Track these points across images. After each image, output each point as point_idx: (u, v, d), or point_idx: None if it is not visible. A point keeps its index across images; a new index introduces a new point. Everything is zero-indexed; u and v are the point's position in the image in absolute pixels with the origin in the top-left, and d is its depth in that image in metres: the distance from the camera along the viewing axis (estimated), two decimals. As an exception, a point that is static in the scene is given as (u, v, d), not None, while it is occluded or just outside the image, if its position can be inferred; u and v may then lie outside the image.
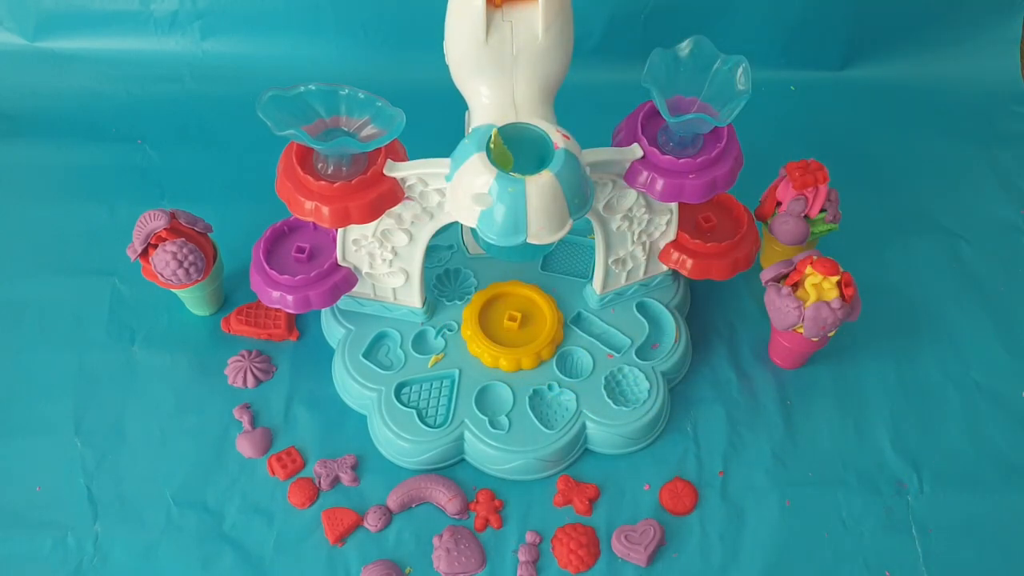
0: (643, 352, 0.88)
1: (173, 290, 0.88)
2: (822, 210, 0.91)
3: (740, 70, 0.73)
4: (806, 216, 0.91)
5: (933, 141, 1.14)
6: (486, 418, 0.83)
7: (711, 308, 0.95)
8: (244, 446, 0.84)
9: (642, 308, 0.91)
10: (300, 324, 0.93)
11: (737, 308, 0.95)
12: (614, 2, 1.13)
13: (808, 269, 0.82)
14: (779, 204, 0.92)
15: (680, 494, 0.83)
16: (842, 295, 0.82)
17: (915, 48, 1.19)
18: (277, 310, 0.91)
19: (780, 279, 0.85)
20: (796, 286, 0.83)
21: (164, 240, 0.85)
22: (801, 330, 0.83)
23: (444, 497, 0.81)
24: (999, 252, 1.02)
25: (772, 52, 1.17)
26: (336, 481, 0.83)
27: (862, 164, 1.10)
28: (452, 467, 0.84)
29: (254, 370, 0.89)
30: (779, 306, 0.83)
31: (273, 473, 0.83)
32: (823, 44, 1.18)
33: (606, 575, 0.78)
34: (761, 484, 0.84)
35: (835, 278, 0.82)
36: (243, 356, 0.89)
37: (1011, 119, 1.17)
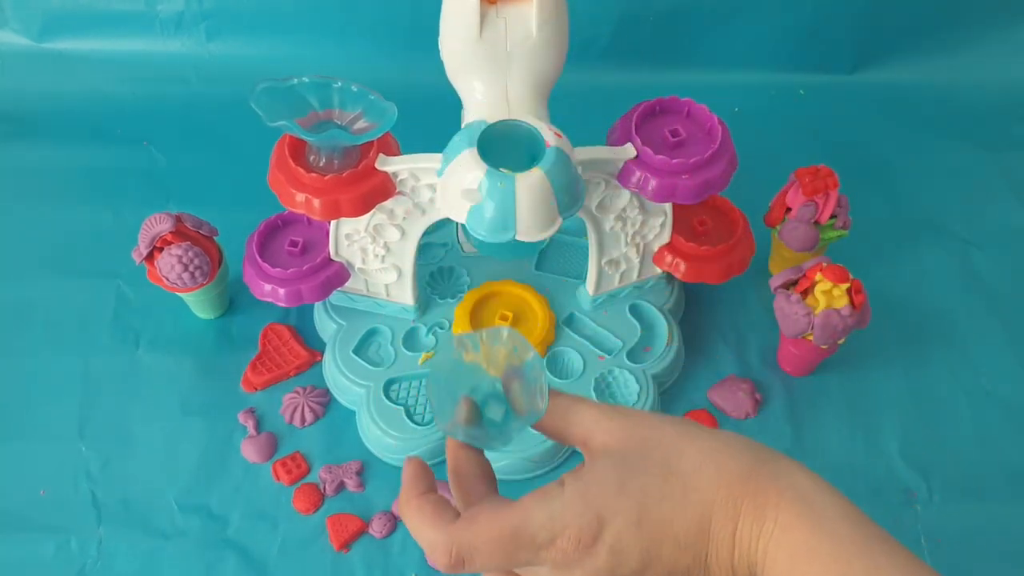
0: (635, 355, 0.87)
1: (178, 293, 0.88)
2: (832, 216, 0.90)
3: None
4: (816, 222, 0.90)
5: (944, 146, 1.12)
6: (475, 417, 0.82)
7: (719, 314, 0.95)
8: (249, 451, 0.84)
9: (635, 310, 0.90)
10: (302, 329, 0.92)
11: (746, 314, 0.94)
12: (622, 5, 1.12)
13: (818, 276, 0.81)
14: (788, 210, 0.91)
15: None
16: (852, 302, 0.81)
17: (926, 52, 1.18)
18: (284, 344, 0.90)
19: (789, 286, 0.84)
20: (805, 293, 0.83)
21: (169, 243, 0.84)
22: (811, 337, 0.83)
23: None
24: (1011, 259, 1.01)
25: (781, 56, 1.16)
26: (341, 487, 0.82)
27: (873, 170, 1.09)
28: (438, 465, 0.82)
29: (311, 405, 0.86)
30: (788, 313, 0.83)
31: (278, 478, 0.83)
32: (833, 48, 1.16)
33: None
34: (769, 492, 0.83)
35: (845, 285, 0.81)
36: (298, 393, 0.87)
37: (1025, 124, 1.15)
